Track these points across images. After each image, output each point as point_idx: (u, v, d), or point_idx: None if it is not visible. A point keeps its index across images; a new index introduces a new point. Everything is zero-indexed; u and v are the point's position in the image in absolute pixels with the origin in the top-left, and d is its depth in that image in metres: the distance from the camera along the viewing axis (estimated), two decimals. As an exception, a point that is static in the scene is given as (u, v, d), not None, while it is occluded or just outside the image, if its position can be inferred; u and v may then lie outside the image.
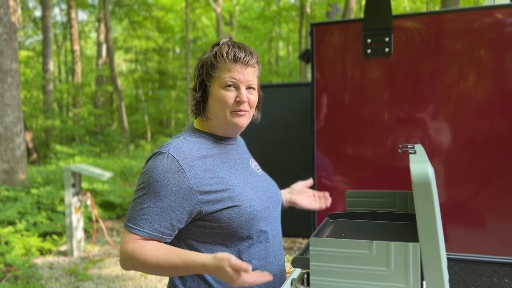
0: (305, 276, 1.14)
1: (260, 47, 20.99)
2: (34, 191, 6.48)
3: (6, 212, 5.32)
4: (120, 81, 18.45)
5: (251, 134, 2.87)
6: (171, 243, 1.30)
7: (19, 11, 23.70)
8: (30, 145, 14.01)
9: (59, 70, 24.83)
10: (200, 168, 1.27)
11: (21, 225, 5.09)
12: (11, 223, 5.29)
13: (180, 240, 1.32)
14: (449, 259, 1.80)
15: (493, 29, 1.68)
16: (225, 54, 1.29)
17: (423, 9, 17.33)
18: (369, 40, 1.81)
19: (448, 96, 1.75)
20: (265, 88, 3.06)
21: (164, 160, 1.24)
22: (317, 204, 1.65)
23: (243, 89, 1.31)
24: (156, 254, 1.19)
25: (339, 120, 1.89)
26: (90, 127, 16.92)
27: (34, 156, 13.73)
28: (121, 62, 26.49)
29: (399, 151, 1.27)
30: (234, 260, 1.11)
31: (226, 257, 1.11)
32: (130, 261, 1.22)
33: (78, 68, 18.67)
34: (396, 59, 1.79)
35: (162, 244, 1.24)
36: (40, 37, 21.51)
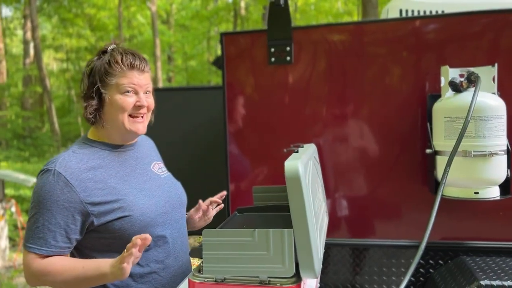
0: (201, 265, 1.27)
1: (199, 46, 20.90)
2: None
3: None
4: (51, 82, 17.59)
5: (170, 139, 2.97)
6: (70, 254, 1.34)
7: None
8: (-51, 150, 13.00)
9: (-18, 69, 23.13)
10: (90, 180, 1.29)
11: None
12: None
13: (77, 250, 1.35)
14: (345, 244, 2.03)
15: (359, 42, 1.93)
16: (120, 62, 1.32)
17: (355, 10, 18.24)
18: (272, 49, 1.98)
19: (343, 97, 1.96)
20: (180, 91, 3.17)
21: (51, 177, 1.25)
22: (212, 212, 1.70)
23: (141, 94, 1.36)
24: (60, 270, 1.23)
25: (249, 122, 2.04)
26: (17, 130, 15.99)
27: (-46, 162, 12.75)
28: (52, 61, 25.17)
29: (284, 150, 1.43)
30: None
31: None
32: (37, 281, 1.26)
33: (3, 67, 17.53)
34: (296, 66, 1.98)
35: (64, 258, 1.27)
36: (-42, 34, 19.89)
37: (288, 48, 1.96)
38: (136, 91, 1.35)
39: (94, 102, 1.34)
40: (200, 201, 1.67)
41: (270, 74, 2.00)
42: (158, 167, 1.56)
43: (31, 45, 17.02)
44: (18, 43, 25.56)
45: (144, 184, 1.42)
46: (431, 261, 1.93)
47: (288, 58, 1.97)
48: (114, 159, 1.39)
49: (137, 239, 1.11)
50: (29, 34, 17.19)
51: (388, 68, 1.92)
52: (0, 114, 17.39)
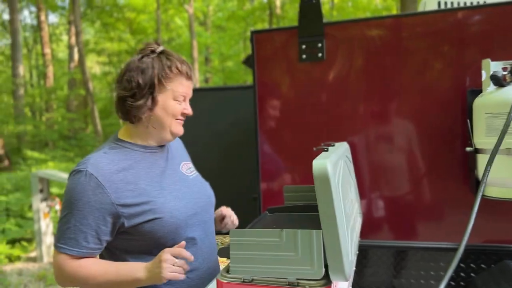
0: (230, 265, 1.26)
1: (235, 47, 21.05)
2: (2, 198, 6.44)
3: (-27, 220, 5.29)
4: (93, 84, 18.26)
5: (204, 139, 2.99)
6: (100, 255, 1.36)
7: (-14, 14, 23.12)
8: (1, 151, 13.75)
9: (31, 74, 24.34)
10: (121, 182, 1.30)
11: (-11, 232, 5.08)
12: (-21, 230, 5.27)
13: (108, 251, 1.36)
14: (382, 246, 1.96)
15: (398, 36, 1.85)
16: (180, 69, 1.37)
17: (394, 5, 17.77)
18: (303, 46, 1.94)
19: (379, 95, 1.90)
20: (213, 91, 3.18)
21: (82, 178, 1.27)
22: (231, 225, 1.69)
23: (188, 102, 1.43)
24: (93, 274, 1.25)
25: (280, 120, 2.02)
26: (63, 132, 16.69)
27: (6, 162, 13.49)
28: (95, 65, 26.12)
29: (314, 149, 1.40)
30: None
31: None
32: (68, 283, 1.28)
33: (50, 71, 18.37)
34: (328, 63, 1.93)
35: (97, 261, 1.29)
36: (9, 40, 21.05)
37: (319, 45, 1.92)
38: (185, 99, 1.41)
39: (146, 103, 1.34)
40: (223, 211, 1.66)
41: (302, 71, 1.96)
42: (187, 167, 1.56)
43: (75, 49, 17.74)
44: (64, 48, 26.70)
45: (174, 185, 1.42)
46: (472, 265, 1.83)
47: (320, 54, 1.93)
48: (145, 160, 1.39)
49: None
50: (73, 39, 17.92)
51: (426, 62, 1.84)
52: (48, 116, 18.23)
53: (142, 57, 1.37)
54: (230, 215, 1.65)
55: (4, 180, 8.19)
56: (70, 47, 18.93)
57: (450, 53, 1.81)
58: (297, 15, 1.95)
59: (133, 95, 1.34)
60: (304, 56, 1.95)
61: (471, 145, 1.66)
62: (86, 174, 1.27)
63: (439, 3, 2.29)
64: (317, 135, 1.96)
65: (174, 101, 1.38)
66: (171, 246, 1.35)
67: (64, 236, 1.27)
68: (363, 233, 1.91)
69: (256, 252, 1.16)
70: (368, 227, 1.96)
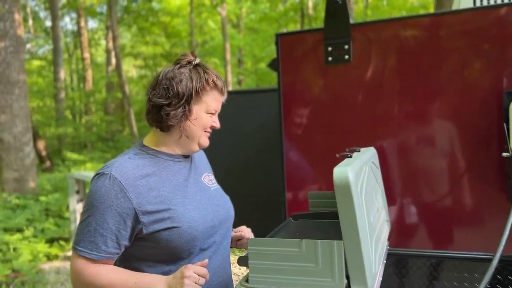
0: (248, 274, 1.23)
1: (268, 48, 21.06)
2: (42, 198, 6.69)
3: (15, 219, 5.53)
4: (130, 87, 18.74)
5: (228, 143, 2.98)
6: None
7: (30, 22, 24.25)
8: (44, 153, 14.33)
9: (71, 78, 25.29)
10: (144, 187, 1.29)
11: (28, 232, 5.28)
12: (20, 230, 5.49)
13: (122, 257, 1.35)
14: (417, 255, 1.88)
15: (436, 35, 1.76)
16: (216, 83, 1.38)
17: (431, 3, 17.24)
18: (329, 48, 1.89)
19: (411, 97, 1.83)
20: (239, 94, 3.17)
21: (107, 181, 1.26)
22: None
23: (217, 116, 1.44)
24: (111, 282, 1.25)
25: (305, 125, 1.98)
26: (101, 134, 17.22)
27: (48, 163, 14.05)
28: (131, 68, 26.82)
29: (337, 155, 1.35)
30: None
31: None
32: (86, 286, 1.28)
33: (89, 75, 19.02)
34: (356, 64, 1.87)
35: (115, 269, 1.29)
36: (51, 46, 21.95)
37: (346, 46, 1.87)
38: (215, 113, 1.43)
39: (179, 111, 1.34)
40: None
41: (328, 74, 1.92)
42: (209, 178, 1.55)
43: (113, 54, 18.27)
44: (102, 53, 27.59)
45: (195, 195, 1.41)
46: (510, 277, 1.73)
47: (347, 56, 1.88)
48: (169, 167, 1.39)
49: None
50: (111, 44, 18.47)
51: (462, 63, 1.75)
52: (87, 119, 18.87)
53: (180, 67, 1.37)
54: (249, 238, 1.63)
55: (44, 181, 8.53)
56: (107, 51, 19.53)
57: (488, 53, 1.71)
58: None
59: (170, 104, 1.33)
60: (330, 58, 1.90)
61: (507, 150, 1.56)
62: (110, 178, 1.26)
63: (474, 1, 2.18)
64: (344, 139, 1.91)
65: (207, 114, 1.39)
66: (187, 256, 1.34)
67: (84, 239, 1.27)
68: (392, 242, 1.84)
69: (275, 262, 1.13)
70: (399, 235, 1.89)
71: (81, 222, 1.30)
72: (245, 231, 1.64)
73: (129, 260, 1.36)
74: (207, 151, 3.16)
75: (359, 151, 1.47)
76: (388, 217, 1.66)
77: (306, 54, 1.94)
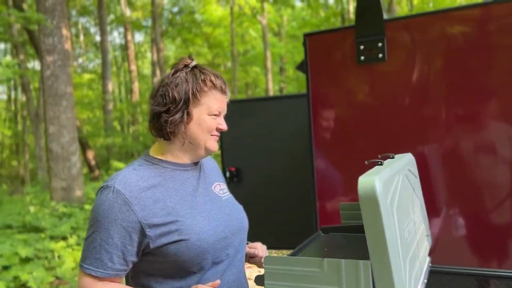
0: (268, 294, 1.12)
1: (309, 55, 20.86)
2: (87, 206, 6.88)
3: (60, 227, 5.69)
4: (174, 98, 19.09)
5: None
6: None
7: (82, 37, 25.50)
8: (93, 162, 14.88)
9: (119, 90, 26.29)
10: (149, 199, 1.24)
11: (72, 240, 5.42)
12: (64, 238, 5.65)
13: (131, 273, 1.30)
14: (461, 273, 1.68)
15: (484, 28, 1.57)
16: (215, 83, 1.31)
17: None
18: (361, 47, 1.75)
19: (450, 97, 1.65)
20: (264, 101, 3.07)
21: (110, 194, 1.21)
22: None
23: (222, 118, 1.36)
24: None
25: (337, 131, 1.84)
26: (148, 143, 17.69)
27: (96, 173, 14.58)
28: (176, 79, 27.46)
29: (366, 162, 1.21)
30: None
31: None
32: None
33: (136, 87, 19.66)
34: (391, 63, 1.72)
35: (122, 287, 1.24)
36: (100, 60, 22.94)
37: (380, 44, 1.72)
38: (219, 114, 1.36)
39: (180, 117, 1.29)
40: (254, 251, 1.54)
41: (360, 75, 1.77)
42: (220, 188, 1.47)
43: (157, 65, 18.80)
44: (148, 65, 28.53)
45: (204, 205, 1.33)
46: None
47: (381, 55, 1.73)
48: (176, 177, 1.33)
49: None
50: (156, 56, 19.02)
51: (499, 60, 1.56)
52: (134, 129, 19.47)
53: (176, 72, 1.32)
54: (262, 257, 1.51)
55: (90, 189, 8.80)
56: (153, 64, 20.11)
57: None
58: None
59: (168, 110, 1.29)
60: (362, 57, 1.76)
61: None
62: (113, 191, 1.21)
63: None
64: (379, 146, 1.75)
65: (209, 116, 1.32)
66: (198, 271, 1.26)
67: (90, 256, 1.21)
68: (435, 258, 1.66)
69: (294, 284, 1.01)
70: (443, 250, 1.70)
71: (86, 238, 1.24)
72: (259, 249, 1.53)
73: (137, 276, 1.29)
74: (243, 158, 3.07)
75: (393, 158, 1.32)
76: (428, 231, 1.48)
77: (336, 54, 1.81)
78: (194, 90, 1.29)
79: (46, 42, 7.53)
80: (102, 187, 1.25)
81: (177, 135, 1.31)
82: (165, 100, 1.29)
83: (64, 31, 7.69)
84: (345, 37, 1.79)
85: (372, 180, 0.93)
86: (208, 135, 1.32)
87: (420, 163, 1.61)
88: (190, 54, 1.40)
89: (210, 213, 1.32)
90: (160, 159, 1.34)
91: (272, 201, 2.94)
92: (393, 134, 1.74)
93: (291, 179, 2.80)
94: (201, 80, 1.29)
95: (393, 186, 1.07)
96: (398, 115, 1.72)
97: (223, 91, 1.34)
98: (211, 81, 1.30)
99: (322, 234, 1.54)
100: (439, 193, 1.71)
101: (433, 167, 1.69)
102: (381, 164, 1.13)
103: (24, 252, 5.15)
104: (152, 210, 1.22)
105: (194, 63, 1.35)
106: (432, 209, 1.71)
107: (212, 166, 1.54)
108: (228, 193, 1.49)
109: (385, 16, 1.72)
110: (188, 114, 1.29)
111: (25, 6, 12.10)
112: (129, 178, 1.24)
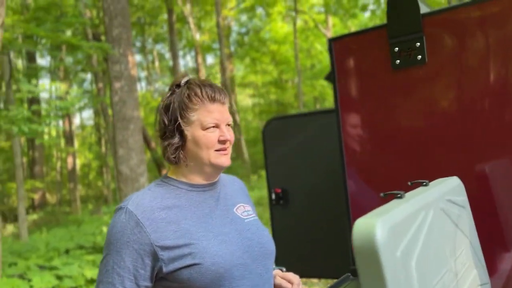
0: None
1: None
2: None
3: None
4: (245, 115, 19.34)
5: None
6: None
7: (157, 63, 26.98)
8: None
9: (192, 112, 27.30)
10: (162, 221, 1.19)
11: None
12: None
13: None
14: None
15: None
16: (200, 95, 1.25)
17: None
18: (396, 49, 1.48)
19: (505, 103, 1.31)
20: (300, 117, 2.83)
21: (123, 216, 1.19)
22: None
23: (224, 127, 1.27)
24: None
25: (371, 146, 1.56)
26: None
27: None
28: (246, 98, 27.98)
29: (381, 195, 0.94)
30: None
31: None
32: None
33: (206, 107, 20.25)
34: (432, 67, 1.42)
35: None
36: (173, 84, 24.03)
37: (418, 44, 1.43)
38: (218, 125, 1.27)
39: (175, 140, 1.26)
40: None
41: (396, 81, 1.49)
42: (243, 209, 1.37)
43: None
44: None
45: (222, 227, 1.25)
46: None
47: (420, 57, 1.44)
48: (192, 198, 1.27)
49: None
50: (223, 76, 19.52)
51: None
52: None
53: (169, 95, 1.30)
54: None
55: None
56: (222, 84, 20.64)
57: None
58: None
59: (164, 136, 1.28)
60: (398, 61, 1.48)
61: None
62: (126, 212, 1.19)
63: None
64: (419, 163, 1.45)
65: (204, 131, 1.25)
66: None
67: (103, 280, 1.18)
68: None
69: None
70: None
71: (101, 261, 1.23)
72: (295, 281, 1.36)
73: None
74: (290, 178, 2.88)
75: (426, 185, 1.03)
76: (486, 278, 1.14)
77: (367, 60, 1.55)
78: (180, 110, 1.25)
79: (114, 69, 7.94)
80: (117, 208, 1.24)
81: (179, 158, 1.28)
82: (159, 126, 1.30)
83: (130, 58, 8.05)
84: (377, 39, 1.52)
85: (371, 224, 0.68)
86: (210, 151, 1.25)
87: (474, 188, 1.28)
88: (185, 71, 1.30)
89: (228, 236, 1.24)
90: (177, 180, 1.30)
91: (320, 225, 2.71)
92: (436, 151, 1.43)
93: (337, 197, 2.56)
94: (186, 97, 1.25)
95: (412, 228, 0.79)
96: (442, 127, 1.41)
97: (214, 100, 1.26)
98: (196, 95, 1.25)
99: (351, 277, 1.28)
100: (506, 223, 1.35)
101: (493, 189, 1.35)
102: (401, 197, 0.86)
103: (89, 273, 5.32)
104: (164, 232, 1.18)
105: (185, 79, 1.30)
106: (497, 244, 1.36)
107: (237, 186, 1.46)
108: (254, 215, 1.40)
109: (423, 10, 1.43)
110: (181, 134, 1.26)
111: (103, 37, 13.01)
112: (142, 198, 1.22)
